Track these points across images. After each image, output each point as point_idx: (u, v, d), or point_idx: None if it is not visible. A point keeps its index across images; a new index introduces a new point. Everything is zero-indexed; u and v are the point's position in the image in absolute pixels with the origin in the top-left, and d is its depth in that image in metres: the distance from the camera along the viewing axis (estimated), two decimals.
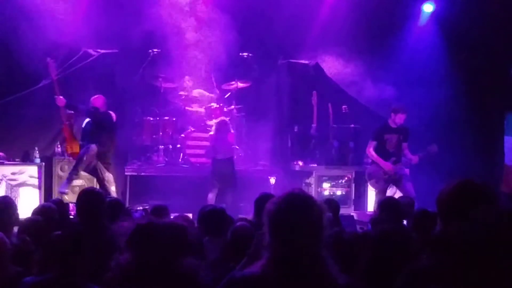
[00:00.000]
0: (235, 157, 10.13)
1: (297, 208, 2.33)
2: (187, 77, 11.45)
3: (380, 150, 8.99)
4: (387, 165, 8.90)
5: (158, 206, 6.10)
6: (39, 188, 9.47)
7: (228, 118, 10.43)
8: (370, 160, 9.23)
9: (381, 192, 9.02)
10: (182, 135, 10.87)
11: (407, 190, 8.88)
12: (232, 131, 10.06)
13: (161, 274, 2.31)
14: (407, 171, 9.33)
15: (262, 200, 5.50)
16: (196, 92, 11.45)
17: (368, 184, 9.76)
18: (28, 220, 5.09)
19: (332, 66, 11.39)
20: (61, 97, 8.82)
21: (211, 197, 9.49)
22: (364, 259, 2.74)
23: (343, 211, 8.91)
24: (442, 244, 1.71)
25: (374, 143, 9.04)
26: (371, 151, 9.03)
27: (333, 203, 6.13)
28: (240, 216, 6.79)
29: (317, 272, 2.31)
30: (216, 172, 9.72)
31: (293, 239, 2.30)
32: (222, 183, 9.67)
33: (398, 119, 8.98)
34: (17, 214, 5.08)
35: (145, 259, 2.37)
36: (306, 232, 2.31)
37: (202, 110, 11.14)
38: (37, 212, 5.38)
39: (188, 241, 2.43)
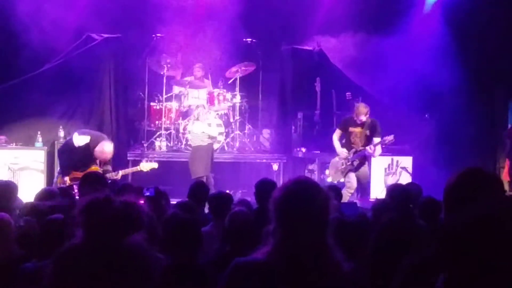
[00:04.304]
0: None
1: (304, 195, 2.32)
2: (198, 64, 11.39)
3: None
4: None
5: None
6: (44, 172, 9.48)
7: (208, 105, 10.53)
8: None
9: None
10: (185, 120, 10.85)
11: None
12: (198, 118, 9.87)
13: (109, 251, 2.26)
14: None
15: (262, 186, 5.52)
16: (200, 78, 11.41)
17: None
18: (29, 205, 5.08)
19: (336, 52, 11.33)
20: None
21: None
22: (370, 246, 2.73)
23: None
24: (445, 232, 1.70)
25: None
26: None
27: (336, 190, 6.13)
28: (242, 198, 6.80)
29: (322, 259, 2.31)
30: None
31: (299, 226, 2.29)
32: None
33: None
34: (18, 198, 5.08)
35: (94, 235, 2.31)
36: (313, 219, 2.30)
37: (205, 96, 11.11)
38: (40, 196, 5.37)
39: (141, 221, 2.36)
